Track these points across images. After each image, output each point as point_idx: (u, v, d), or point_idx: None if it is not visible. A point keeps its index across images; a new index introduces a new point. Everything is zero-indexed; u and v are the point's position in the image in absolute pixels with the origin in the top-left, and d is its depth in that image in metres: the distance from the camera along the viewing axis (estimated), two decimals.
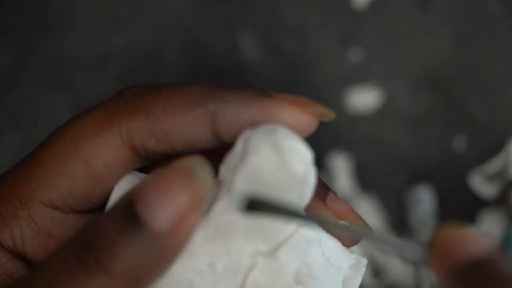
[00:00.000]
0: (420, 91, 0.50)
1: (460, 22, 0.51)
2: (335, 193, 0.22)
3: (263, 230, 0.19)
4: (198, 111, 0.19)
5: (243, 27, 0.52)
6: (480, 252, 0.15)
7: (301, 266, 0.20)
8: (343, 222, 0.21)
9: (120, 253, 0.17)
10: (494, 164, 0.48)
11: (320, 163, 0.49)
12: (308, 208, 0.20)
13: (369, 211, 0.48)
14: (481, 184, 0.48)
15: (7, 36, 0.52)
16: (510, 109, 0.50)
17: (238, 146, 0.19)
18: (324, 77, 0.51)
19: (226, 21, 0.52)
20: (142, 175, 0.21)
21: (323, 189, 0.22)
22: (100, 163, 0.20)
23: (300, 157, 0.18)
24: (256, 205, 0.18)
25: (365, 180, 0.49)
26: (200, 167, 0.18)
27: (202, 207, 0.17)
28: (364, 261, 0.22)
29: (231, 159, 0.19)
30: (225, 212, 0.18)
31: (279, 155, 0.18)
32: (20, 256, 0.20)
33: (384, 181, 0.49)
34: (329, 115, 0.20)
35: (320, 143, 0.50)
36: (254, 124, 0.19)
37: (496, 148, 0.49)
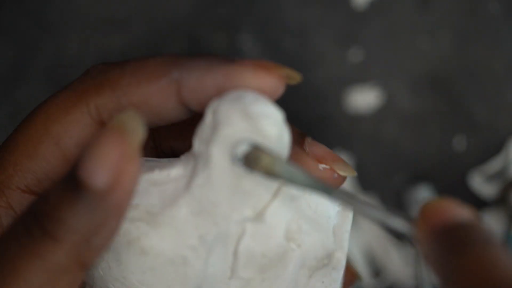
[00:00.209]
0: (420, 91, 0.50)
1: (460, 22, 0.51)
2: (312, 138, 0.22)
3: (247, 196, 0.19)
4: (163, 81, 0.19)
5: (243, 27, 0.52)
6: (461, 218, 0.16)
7: (290, 224, 0.20)
8: (340, 190, 0.21)
9: (62, 217, 0.17)
10: (494, 164, 0.48)
11: None
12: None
13: None
14: (481, 184, 0.48)
15: (8, 36, 0.52)
16: (510, 109, 0.50)
17: (208, 117, 0.19)
18: (324, 77, 0.51)
19: (226, 21, 0.52)
20: None
21: (299, 136, 0.22)
22: (71, 143, 0.20)
23: (271, 119, 0.18)
24: (253, 157, 0.18)
25: (365, 180, 0.49)
26: (130, 119, 0.18)
27: (137, 157, 0.18)
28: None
29: (202, 131, 0.19)
30: (206, 186, 0.19)
31: (250, 122, 0.18)
32: None
33: (384, 181, 0.49)
34: (295, 77, 0.20)
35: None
36: (220, 91, 0.19)
37: (496, 148, 0.49)
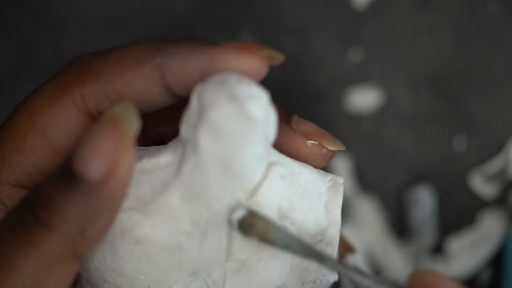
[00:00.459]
0: (420, 91, 0.50)
1: (460, 22, 0.51)
2: (298, 116, 0.22)
3: (237, 178, 0.19)
4: (146, 67, 0.19)
5: (243, 27, 0.52)
6: None
7: (281, 202, 0.20)
8: (333, 257, 0.22)
9: (57, 207, 0.17)
10: (494, 164, 0.48)
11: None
12: (276, 140, 0.21)
13: (369, 211, 0.48)
14: (481, 184, 0.48)
15: (8, 36, 0.52)
16: (510, 109, 0.50)
17: (193, 102, 0.19)
18: (324, 77, 0.51)
19: (226, 21, 0.52)
20: None
21: (286, 114, 0.22)
22: (59, 134, 0.20)
23: (257, 101, 0.19)
24: (249, 223, 0.18)
25: (365, 180, 0.49)
26: (125, 111, 0.18)
27: (131, 148, 0.18)
28: (340, 179, 0.22)
29: (189, 117, 0.19)
30: (196, 170, 0.19)
31: (236, 105, 0.18)
32: None
33: (384, 181, 0.49)
34: (277, 57, 0.20)
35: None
36: (204, 75, 0.19)
37: (496, 148, 0.49)
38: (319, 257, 0.19)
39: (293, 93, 0.50)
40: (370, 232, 0.48)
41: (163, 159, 0.19)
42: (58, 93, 0.20)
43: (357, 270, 0.19)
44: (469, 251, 0.47)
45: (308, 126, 0.22)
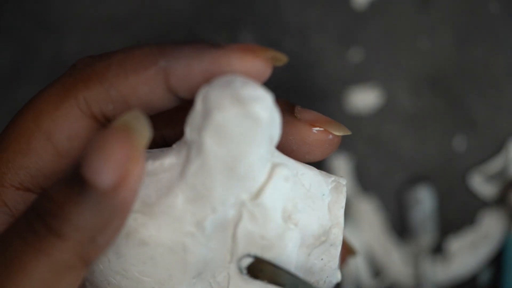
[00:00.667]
0: (420, 91, 0.50)
1: (460, 22, 0.51)
2: (300, 106, 0.22)
3: (242, 179, 0.19)
4: (150, 70, 0.19)
5: (243, 27, 0.52)
6: None
7: (285, 204, 0.20)
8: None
9: (68, 215, 0.17)
10: (494, 164, 0.48)
11: (320, 163, 0.49)
12: (283, 135, 0.21)
13: (369, 211, 0.48)
14: (481, 184, 0.48)
15: (7, 36, 0.52)
16: (510, 109, 0.50)
17: (198, 104, 0.19)
18: (324, 77, 0.51)
19: (226, 20, 0.52)
20: None
21: (288, 105, 0.22)
22: (63, 137, 0.20)
23: (262, 103, 0.19)
24: (258, 268, 0.19)
25: (365, 180, 0.49)
26: (136, 120, 0.18)
27: (142, 157, 0.18)
28: (343, 181, 0.23)
29: (193, 119, 0.19)
30: (201, 172, 0.19)
31: (241, 106, 0.18)
32: None
33: (384, 181, 0.49)
34: (281, 58, 0.20)
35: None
36: (208, 77, 0.19)
37: (496, 148, 0.49)
38: None
39: (293, 93, 0.50)
40: (370, 232, 0.48)
41: (167, 161, 0.19)
42: (62, 96, 0.20)
43: None
44: (469, 251, 0.47)
45: (311, 114, 0.22)
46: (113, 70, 0.19)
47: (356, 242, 0.47)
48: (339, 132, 0.22)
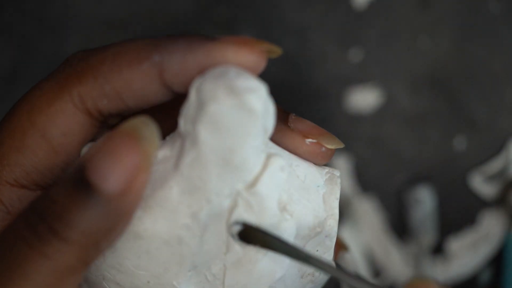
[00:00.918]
0: (420, 91, 0.50)
1: (460, 22, 0.51)
2: (295, 115, 0.22)
3: (237, 170, 0.19)
4: (144, 65, 0.19)
5: (243, 27, 0.52)
6: None
7: (280, 194, 0.20)
8: (329, 261, 0.21)
9: (73, 219, 0.17)
10: (494, 164, 0.48)
11: None
12: (274, 140, 0.21)
13: (369, 211, 0.48)
14: (481, 184, 0.48)
15: (7, 36, 0.52)
16: (510, 109, 0.50)
17: (192, 95, 0.19)
18: (324, 77, 0.51)
19: (226, 21, 0.52)
20: None
21: (283, 114, 0.22)
22: (57, 133, 0.20)
23: (256, 94, 0.18)
24: (249, 233, 0.18)
25: (365, 180, 0.49)
26: (146, 127, 0.18)
27: (150, 166, 0.18)
28: (337, 173, 0.22)
29: (187, 110, 0.19)
30: (195, 164, 0.19)
31: (235, 97, 0.18)
32: None
33: (384, 181, 0.49)
34: (275, 50, 0.20)
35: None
36: (203, 71, 0.19)
37: (496, 148, 0.49)
38: (320, 263, 0.19)
39: (293, 93, 0.50)
40: (370, 232, 0.48)
41: (161, 153, 0.19)
42: (56, 92, 0.20)
43: (355, 276, 0.19)
44: (469, 251, 0.47)
45: (306, 124, 0.22)
46: (107, 65, 0.19)
47: (356, 242, 0.47)
48: (332, 145, 0.22)
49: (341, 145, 0.22)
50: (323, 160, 0.22)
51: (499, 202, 0.48)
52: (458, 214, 0.49)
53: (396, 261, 0.47)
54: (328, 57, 0.51)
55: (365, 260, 0.47)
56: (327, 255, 0.22)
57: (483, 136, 0.49)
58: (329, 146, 0.22)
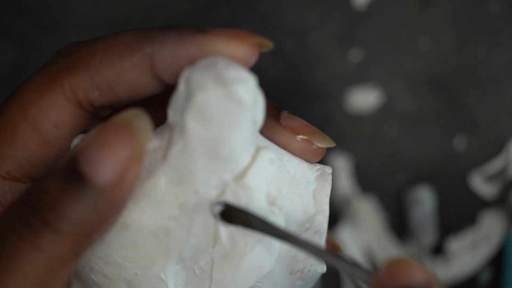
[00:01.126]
0: (420, 91, 0.50)
1: (460, 22, 0.51)
2: (287, 112, 0.22)
3: (225, 161, 0.19)
4: (135, 56, 0.19)
5: (243, 27, 0.52)
6: (420, 280, 0.16)
7: (269, 188, 0.20)
8: (313, 241, 0.21)
9: (65, 210, 0.17)
10: (494, 164, 0.48)
11: (320, 163, 0.49)
12: (265, 136, 0.21)
13: (369, 211, 0.48)
14: (481, 184, 0.48)
15: (7, 36, 0.52)
16: (510, 109, 0.50)
17: (181, 86, 0.19)
18: (324, 77, 0.51)
19: (226, 21, 0.52)
20: None
21: (275, 110, 0.22)
22: (49, 125, 0.20)
23: (245, 84, 0.18)
24: (231, 213, 0.18)
25: (365, 180, 0.49)
26: (139, 119, 0.18)
27: (143, 158, 0.18)
28: (329, 169, 0.22)
29: (176, 100, 0.19)
30: (183, 154, 0.19)
31: (224, 87, 0.18)
32: None
33: (384, 181, 0.49)
34: (267, 44, 0.20)
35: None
36: (193, 62, 0.19)
37: (496, 148, 0.49)
38: (301, 243, 0.19)
39: (293, 93, 0.50)
40: (370, 232, 0.48)
41: (150, 144, 0.19)
42: (47, 84, 0.20)
43: (338, 256, 0.19)
44: (469, 251, 0.47)
45: (297, 122, 0.22)
46: (98, 57, 0.19)
47: (356, 242, 0.47)
48: (322, 144, 0.22)
49: (332, 144, 0.22)
50: (314, 158, 0.22)
51: (499, 202, 0.48)
52: (458, 214, 0.49)
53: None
54: (328, 57, 0.51)
55: (365, 259, 0.47)
56: None
57: (483, 136, 0.49)
58: (320, 145, 0.22)
